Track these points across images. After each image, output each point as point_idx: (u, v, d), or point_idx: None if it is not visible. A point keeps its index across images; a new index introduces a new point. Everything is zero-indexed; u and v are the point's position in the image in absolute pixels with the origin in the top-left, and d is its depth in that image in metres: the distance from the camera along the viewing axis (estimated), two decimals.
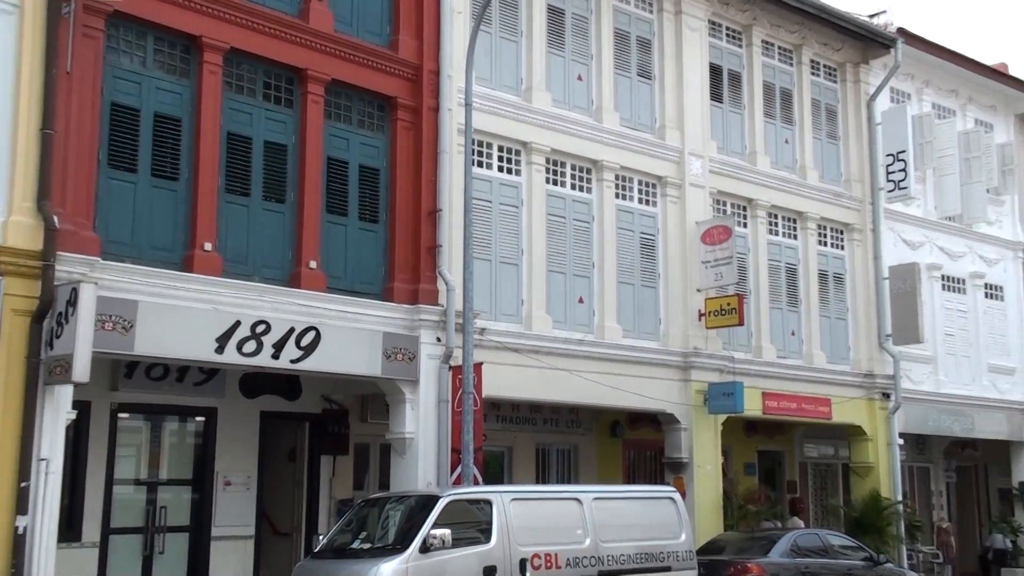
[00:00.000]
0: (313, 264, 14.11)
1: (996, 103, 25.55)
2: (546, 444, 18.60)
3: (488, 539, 11.76)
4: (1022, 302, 25.22)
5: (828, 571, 15.63)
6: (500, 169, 16.65)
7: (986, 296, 24.53)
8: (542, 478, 18.20)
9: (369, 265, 14.96)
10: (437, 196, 15.40)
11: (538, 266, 16.70)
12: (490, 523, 11.85)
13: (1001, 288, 24.88)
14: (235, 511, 14.96)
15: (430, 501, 11.83)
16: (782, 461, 22.29)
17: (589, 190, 17.79)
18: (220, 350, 12.92)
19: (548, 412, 18.34)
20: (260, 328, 13.21)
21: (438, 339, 14.99)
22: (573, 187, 17.61)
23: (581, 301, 17.38)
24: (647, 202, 18.65)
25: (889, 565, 16.97)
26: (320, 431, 15.89)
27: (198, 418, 15.07)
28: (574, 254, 17.39)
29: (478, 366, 14.54)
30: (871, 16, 22.74)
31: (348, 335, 14.08)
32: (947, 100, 24.56)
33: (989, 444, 25.06)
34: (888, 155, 22.18)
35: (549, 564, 12.05)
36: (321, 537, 12.99)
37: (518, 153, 16.87)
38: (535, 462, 18.34)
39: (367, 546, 11.91)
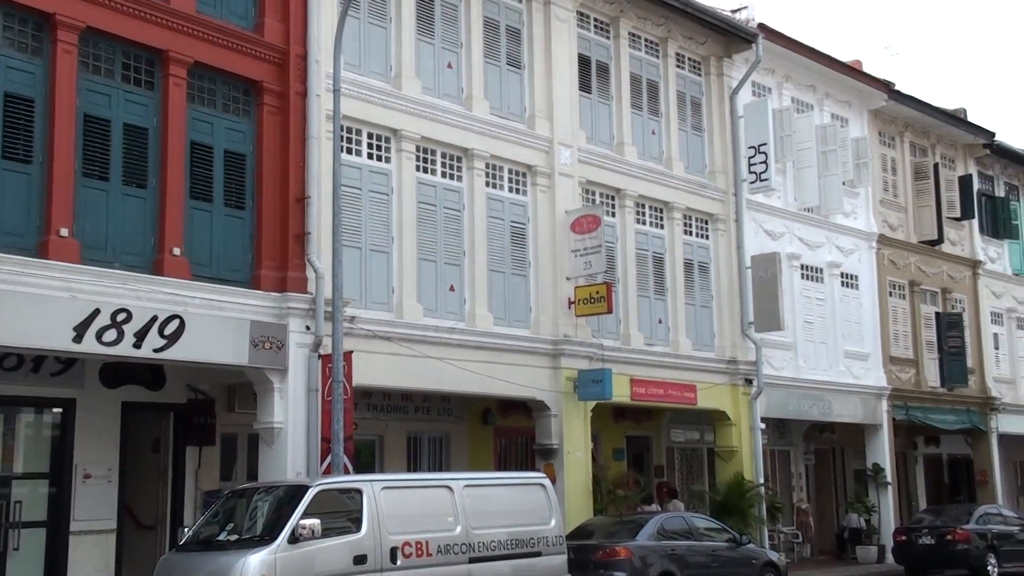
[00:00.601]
0: (177, 251, 13.72)
1: (851, 99, 26.61)
2: (417, 432, 18.56)
3: (358, 528, 11.68)
4: (875, 291, 26.36)
5: (693, 553, 16.05)
6: (370, 156, 16.51)
7: (842, 285, 25.55)
8: (413, 466, 18.14)
9: (235, 252, 14.64)
10: (305, 183, 15.18)
11: (409, 254, 16.63)
12: (360, 512, 11.76)
13: (856, 277, 25.97)
14: (95, 504, 14.42)
15: (299, 491, 11.67)
16: (650, 446, 22.78)
17: (460, 178, 17.79)
18: (78, 339, 12.47)
19: (419, 400, 18.30)
20: (121, 316, 12.80)
21: (307, 328, 14.79)
22: (444, 175, 17.59)
23: (452, 289, 17.39)
24: (517, 191, 18.77)
25: (751, 545, 17.53)
26: (185, 421, 15.48)
27: (55, 409, 14.48)
28: (445, 242, 17.38)
29: (348, 355, 14.40)
30: (733, 11, 23.38)
31: (214, 324, 13.76)
32: (805, 95, 25.45)
33: (845, 427, 26.15)
34: (750, 147, 22.86)
35: (420, 552, 12.03)
36: (186, 530, 12.66)
37: (388, 140, 16.75)
38: (406, 450, 18.28)
39: (234, 538, 11.69)
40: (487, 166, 18.17)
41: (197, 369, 14.66)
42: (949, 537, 22.03)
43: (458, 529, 12.55)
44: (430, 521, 12.38)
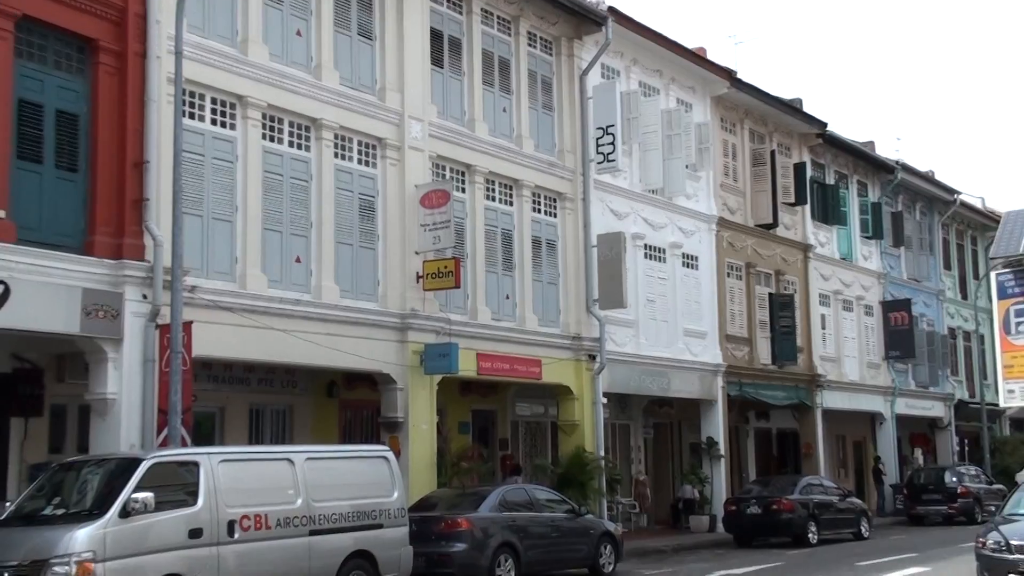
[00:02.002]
0: (1, 214, 13.03)
1: (695, 84, 27.42)
2: (260, 405, 18.23)
3: (195, 501, 11.43)
4: (714, 271, 27.33)
5: (533, 524, 16.37)
6: (213, 122, 16.05)
7: (683, 265, 26.39)
8: (256, 439, 17.82)
9: (67, 217, 14.02)
10: (144, 147, 14.66)
11: (253, 224, 16.29)
12: (197, 485, 11.51)
13: (696, 258, 26.85)
14: None
15: (132, 464, 11.34)
16: (495, 420, 23.05)
17: (308, 148, 17.52)
18: None
19: (263, 372, 17.97)
20: None
21: (144, 296, 14.31)
22: (291, 144, 17.28)
23: (298, 261, 17.14)
24: (367, 163, 18.61)
25: (590, 516, 18.02)
26: (10, 391, 14.74)
27: None
28: (291, 213, 17.10)
29: (188, 325, 14.04)
30: None
31: (42, 290, 13.16)
32: (652, 79, 26.08)
33: (683, 402, 27.09)
34: (598, 128, 23.28)
35: (259, 525, 11.87)
36: (8, 504, 12.09)
37: (233, 107, 16.31)
38: (248, 423, 17.94)
39: (60, 512, 11.25)
40: (336, 137, 17.94)
41: (23, 337, 13.97)
42: (775, 507, 23.20)
43: (299, 502, 12.44)
44: (270, 494, 12.24)
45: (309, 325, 16.71)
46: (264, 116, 16.73)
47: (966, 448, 39.93)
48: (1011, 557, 14.12)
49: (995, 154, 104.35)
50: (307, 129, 17.51)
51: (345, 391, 19.39)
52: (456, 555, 15.02)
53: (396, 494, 13.87)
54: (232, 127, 16.29)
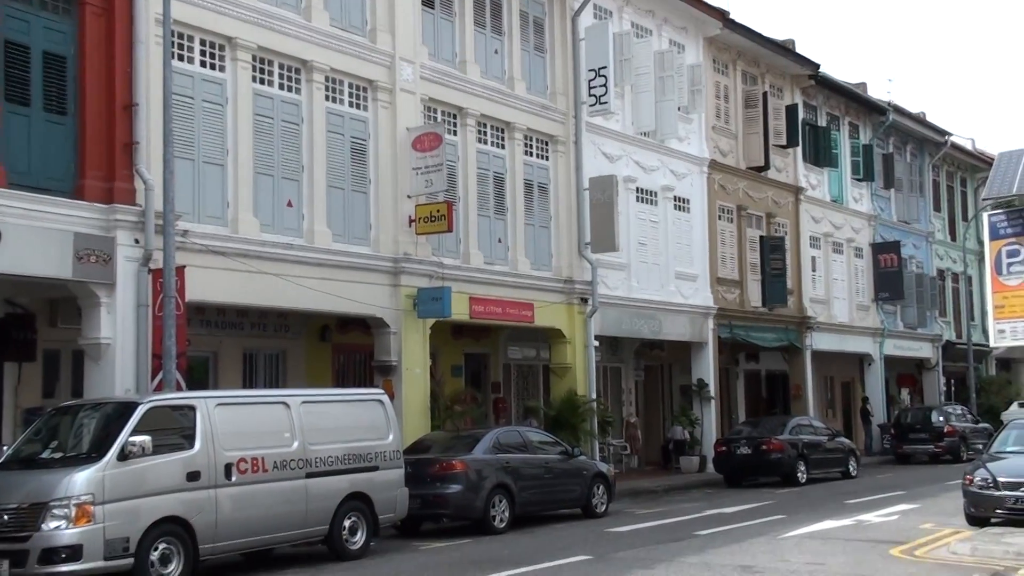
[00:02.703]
0: None
1: (688, 25, 27.14)
2: (253, 349, 18.25)
3: (192, 445, 11.48)
4: (705, 214, 27.30)
5: (527, 465, 16.50)
6: (203, 64, 15.85)
7: (675, 208, 26.34)
8: (249, 383, 17.86)
9: (57, 160, 13.89)
10: (133, 89, 14.49)
11: (244, 167, 16.17)
12: (194, 429, 11.55)
13: (688, 201, 26.80)
14: None
15: (129, 408, 11.36)
16: (487, 363, 23.15)
17: (298, 91, 17.34)
18: None
19: (256, 317, 17.96)
20: None
21: (136, 241, 14.25)
22: (281, 87, 17.10)
23: (290, 205, 17.05)
24: (358, 106, 18.44)
25: (583, 458, 18.16)
26: (2, 336, 14.70)
27: None
28: (283, 156, 16.98)
29: (180, 269, 13.99)
30: None
31: (33, 235, 13.08)
32: (644, 20, 25.79)
33: (674, 345, 27.23)
34: (590, 70, 23.07)
35: (256, 468, 11.95)
36: (5, 448, 12.14)
37: (222, 48, 16.10)
38: (242, 367, 17.97)
39: (59, 455, 11.28)
40: (327, 79, 17.75)
41: (15, 282, 13.92)
42: (764, 447, 23.45)
43: (295, 445, 12.51)
44: (266, 437, 12.30)
45: (302, 269, 16.69)
46: (254, 58, 16.52)
47: (952, 388, 40.35)
48: (997, 494, 14.36)
49: (985, 95, 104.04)
50: (297, 71, 17.32)
51: (338, 335, 19.42)
52: (451, 496, 15.16)
53: (391, 437, 13.96)
54: (222, 69, 16.09)
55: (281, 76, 17.10)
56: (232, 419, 11.98)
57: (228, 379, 17.46)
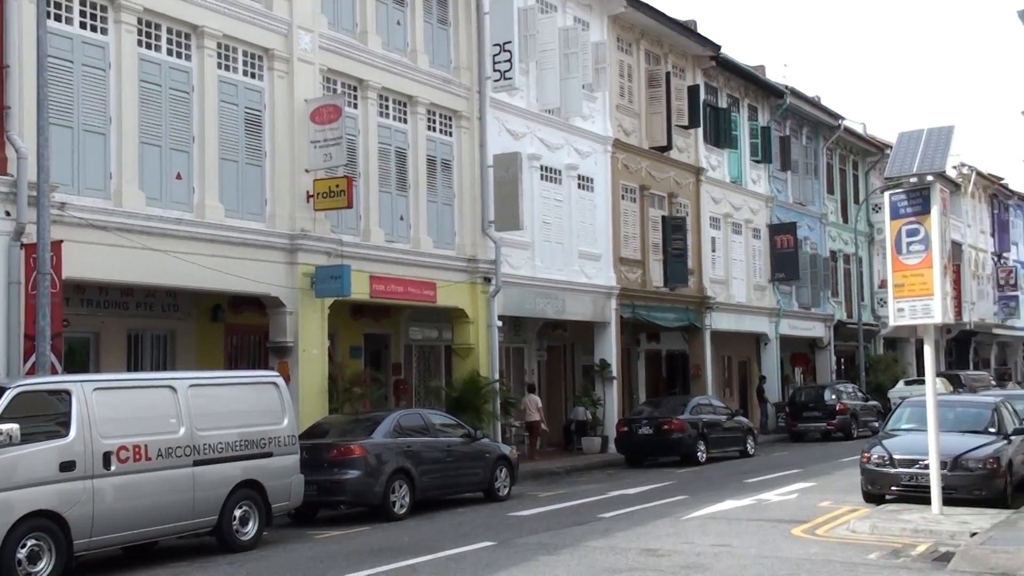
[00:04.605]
0: None
1: (592, 2, 26.86)
2: (139, 330, 17.33)
3: (67, 432, 10.70)
4: (609, 193, 27.15)
5: (429, 449, 16.04)
6: (83, 26, 14.89)
7: (579, 187, 26.11)
8: (134, 366, 16.96)
9: None
10: (4, 51, 13.53)
11: (129, 137, 15.29)
12: (69, 415, 10.77)
13: (592, 180, 26.60)
14: None
15: None
16: (388, 344, 22.57)
17: (188, 57, 16.48)
18: None
19: (142, 295, 17.06)
20: None
21: (7, 213, 13.32)
22: (170, 53, 16.21)
23: (179, 177, 16.22)
24: (253, 75, 17.64)
25: (485, 440, 17.79)
26: None
27: None
28: (171, 126, 16.12)
29: (57, 244, 13.14)
30: None
31: None
32: None
33: (576, 325, 27.06)
34: (495, 45, 22.62)
35: (138, 456, 11.23)
36: None
37: (104, 9, 15.15)
38: (126, 349, 17.03)
39: None
40: (219, 46, 16.92)
41: None
42: (666, 427, 23.46)
43: (181, 431, 11.80)
44: (150, 423, 11.56)
45: (192, 246, 15.91)
46: (140, 21, 15.62)
47: (843, 367, 41.32)
48: (893, 471, 14.52)
49: (874, 82, 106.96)
50: (187, 37, 16.44)
51: (231, 315, 18.63)
52: (349, 482, 14.63)
53: (286, 421, 13.34)
54: (104, 32, 15.14)
55: (170, 41, 16.21)
56: (112, 404, 11.22)
57: (111, 362, 16.54)
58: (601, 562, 10.86)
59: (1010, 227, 55.70)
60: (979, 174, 49.46)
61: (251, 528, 12.50)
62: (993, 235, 53.10)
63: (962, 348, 50.33)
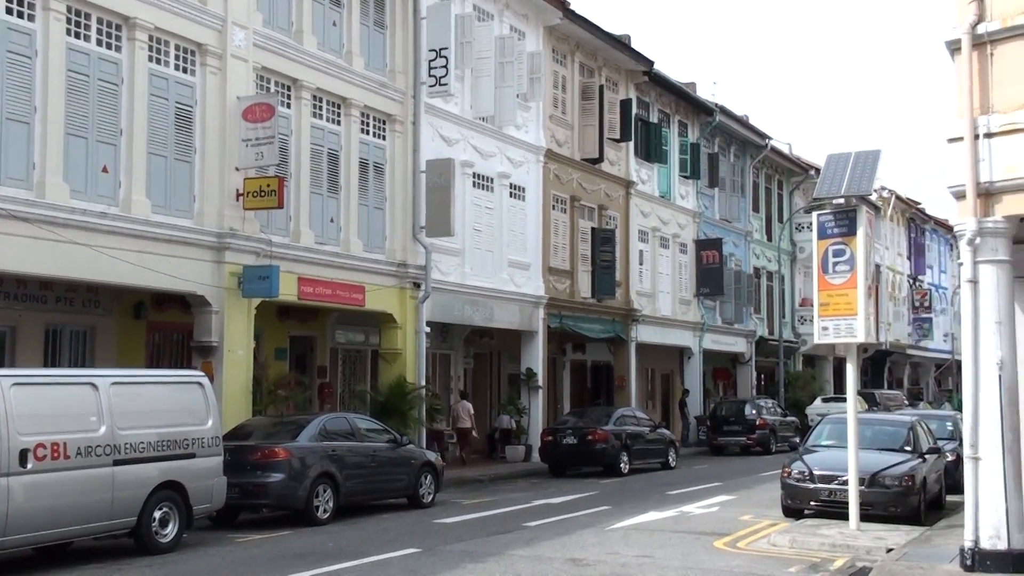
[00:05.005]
0: None
1: (529, 13, 26.98)
2: (58, 325, 16.86)
3: None
4: (540, 203, 27.27)
5: (354, 454, 15.90)
6: (9, 12, 14.50)
7: (510, 195, 26.18)
8: (52, 362, 16.48)
9: None
10: None
11: (54, 127, 14.90)
12: None
13: (524, 189, 26.69)
14: None
15: None
16: (314, 347, 22.33)
17: (119, 49, 16.13)
18: None
19: (62, 290, 16.60)
20: None
21: None
22: (100, 43, 15.85)
23: (105, 171, 15.86)
24: (185, 70, 17.35)
25: (411, 446, 17.69)
26: None
27: None
28: (99, 118, 15.76)
29: None
30: None
31: None
32: (487, 3, 25.45)
33: (503, 333, 27.09)
34: (431, 50, 22.57)
35: (56, 454, 10.93)
36: None
37: None
38: (44, 344, 16.56)
39: None
40: (151, 39, 16.60)
41: None
42: (590, 437, 23.60)
43: (102, 430, 11.52)
44: (70, 421, 11.26)
45: (117, 240, 15.56)
46: (69, 9, 15.23)
47: (762, 382, 42.07)
48: (812, 486, 14.81)
49: (801, 103, 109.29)
50: (118, 28, 16.09)
51: (154, 312, 18.25)
52: (272, 485, 14.43)
53: (211, 422, 13.11)
54: (31, 18, 14.74)
55: (100, 32, 15.85)
56: (30, 400, 10.91)
57: (27, 357, 16.06)
58: (526, 571, 10.87)
59: (926, 251, 57.35)
60: (898, 198, 50.84)
61: (171, 530, 12.25)
62: (910, 258, 54.60)
63: (877, 367, 51.62)
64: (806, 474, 14.97)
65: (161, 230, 16.37)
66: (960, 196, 10.19)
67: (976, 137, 10.07)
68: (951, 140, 10.31)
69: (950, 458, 17.67)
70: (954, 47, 10.40)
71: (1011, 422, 9.88)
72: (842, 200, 13.60)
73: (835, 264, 13.53)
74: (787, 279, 43.80)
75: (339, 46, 20.94)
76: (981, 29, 10.16)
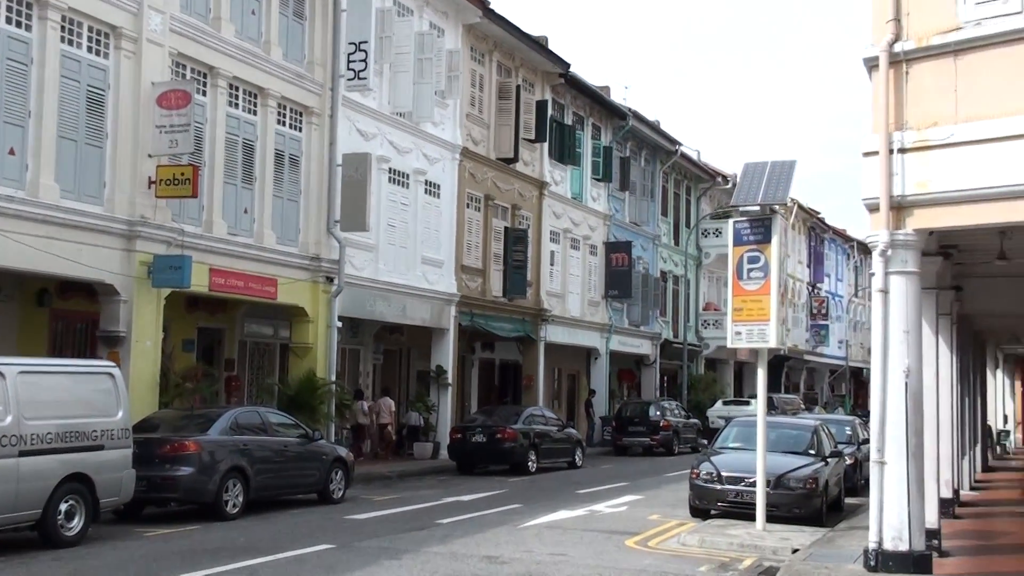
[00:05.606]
0: None
1: (448, 10, 26.96)
2: None
3: None
4: (455, 201, 27.28)
5: (265, 448, 15.72)
6: None
7: (426, 192, 26.13)
8: None
9: None
10: None
11: None
12: None
13: (439, 186, 26.67)
14: None
15: None
16: (222, 339, 21.93)
17: (29, 28, 15.64)
18: None
19: None
20: None
21: None
22: (10, 21, 15.38)
23: (12, 153, 15.38)
24: (99, 52, 16.89)
25: (322, 442, 17.55)
26: None
27: None
28: (6, 99, 15.28)
29: None
30: None
31: None
32: None
33: (414, 329, 27.02)
34: (351, 43, 22.40)
35: None
36: None
37: None
38: None
39: None
40: (64, 19, 16.14)
41: None
42: (499, 436, 23.71)
43: (8, 419, 11.15)
44: None
45: (21, 225, 15.11)
46: None
47: (665, 384, 42.80)
48: (720, 488, 15.17)
49: (711, 111, 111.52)
50: (29, 7, 15.62)
51: (58, 300, 17.72)
52: (182, 479, 14.17)
53: (120, 414, 12.80)
54: None
55: (9, 9, 15.36)
56: None
57: None
58: (444, 568, 10.90)
59: (824, 260, 59.07)
60: (800, 207, 52.24)
61: (77, 523, 11.94)
62: (809, 266, 56.17)
63: (775, 372, 52.83)
64: (714, 475, 15.32)
65: (69, 216, 15.93)
66: (874, 209, 10.51)
67: (891, 152, 10.38)
68: (867, 154, 10.63)
69: (849, 462, 18.28)
70: (871, 64, 10.74)
71: (916, 427, 10.27)
72: (757, 208, 13.94)
73: (749, 270, 13.87)
74: (692, 283, 44.65)
75: (257, 35, 20.64)
76: (898, 48, 10.49)
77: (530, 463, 23.98)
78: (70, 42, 16.33)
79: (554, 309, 32.51)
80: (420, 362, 28.18)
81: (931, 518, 11.47)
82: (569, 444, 26.20)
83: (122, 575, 10.44)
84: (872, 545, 10.14)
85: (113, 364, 13.91)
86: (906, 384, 10.20)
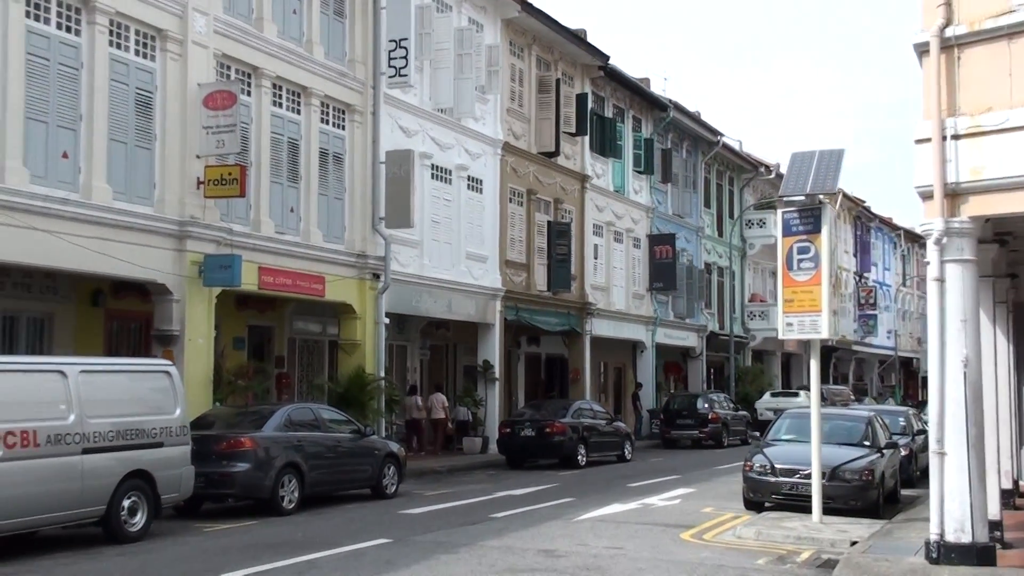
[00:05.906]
0: None
1: (487, 5, 26.99)
2: (14, 312, 16.52)
3: None
4: (497, 196, 27.32)
5: (319, 444, 15.86)
6: None
7: (468, 188, 26.19)
8: (8, 349, 16.14)
9: None
10: None
11: (14, 111, 14.62)
12: None
13: (481, 181, 26.72)
14: None
15: None
16: (272, 336, 22.15)
17: (79, 33, 15.86)
18: None
19: (19, 276, 16.27)
20: None
21: None
22: (60, 27, 15.57)
23: (66, 156, 15.59)
24: (146, 56, 17.10)
25: (374, 437, 17.67)
26: None
27: None
28: (59, 103, 15.49)
29: None
30: None
31: None
32: None
33: (460, 325, 27.11)
34: (391, 41, 22.49)
35: (26, 442, 10.77)
36: None
37: None
38: (0, 331, 16.26)
39: None
40: (112, 24, 16.35)
41: None
42: (548, 430, 23.71)
43: (71, 418, 11.37)
44: (39, 409, 11.11)
45: (76, 227, 15.33)
46: None
47: (712, 377, 42.58)
48: (774, 480, 15.03)
49: (752, 101, 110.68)
50: (78, 12, 15.82)
51: (112, 300, 17.99)
52: (238, 475, 14.34)
53: (178, 411, 13.00)
54: None
55: (60, 15, 15.57)
56: None
57: None
58: (501, 562, 10.93)
59: (871, 248, 58.42)
60: (846, 196, 51.70)
61: (139, 519, 12.15)
62: (856, 255, 55.57)
63: (823, 363, 52.01)
64: (768, 468, 15.19)
65: (122, 217, 16.15)
66: (927, 196, 10.37)
67: (943, 139, 10.24)
68: (919, 141, 10.49)
69: (904, 453, 18.07)
70: (922, 50, 10.59)
71: (975, 418, 10.13)
72: (804, 198, 13.79)
73: (800, 261, 13.71)
74: (737, 275, 44.35)
75: (299, 34, 20.78)
76: (949, 33, 10.35)
77: (580, 457, 23.96)
78: (118, 46, 16.54)
79: (599, 302, 32.45)
80: (466, 357, 28.26)
81: (993, 509, 11.30)
82: (618, 437, 26.15)
83: (188, 568, 10.59)
84: (934, 537, 10.02)
85: (170, 362, 14.12)
86: (965, 374, 10.06)
